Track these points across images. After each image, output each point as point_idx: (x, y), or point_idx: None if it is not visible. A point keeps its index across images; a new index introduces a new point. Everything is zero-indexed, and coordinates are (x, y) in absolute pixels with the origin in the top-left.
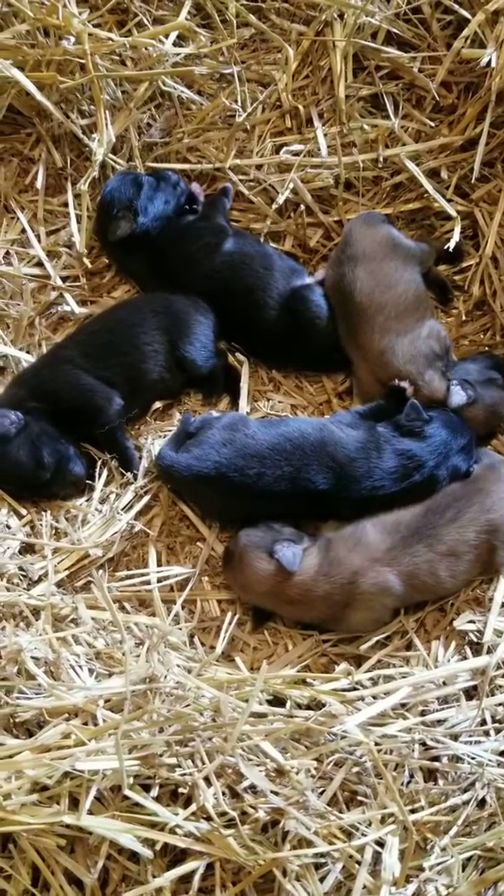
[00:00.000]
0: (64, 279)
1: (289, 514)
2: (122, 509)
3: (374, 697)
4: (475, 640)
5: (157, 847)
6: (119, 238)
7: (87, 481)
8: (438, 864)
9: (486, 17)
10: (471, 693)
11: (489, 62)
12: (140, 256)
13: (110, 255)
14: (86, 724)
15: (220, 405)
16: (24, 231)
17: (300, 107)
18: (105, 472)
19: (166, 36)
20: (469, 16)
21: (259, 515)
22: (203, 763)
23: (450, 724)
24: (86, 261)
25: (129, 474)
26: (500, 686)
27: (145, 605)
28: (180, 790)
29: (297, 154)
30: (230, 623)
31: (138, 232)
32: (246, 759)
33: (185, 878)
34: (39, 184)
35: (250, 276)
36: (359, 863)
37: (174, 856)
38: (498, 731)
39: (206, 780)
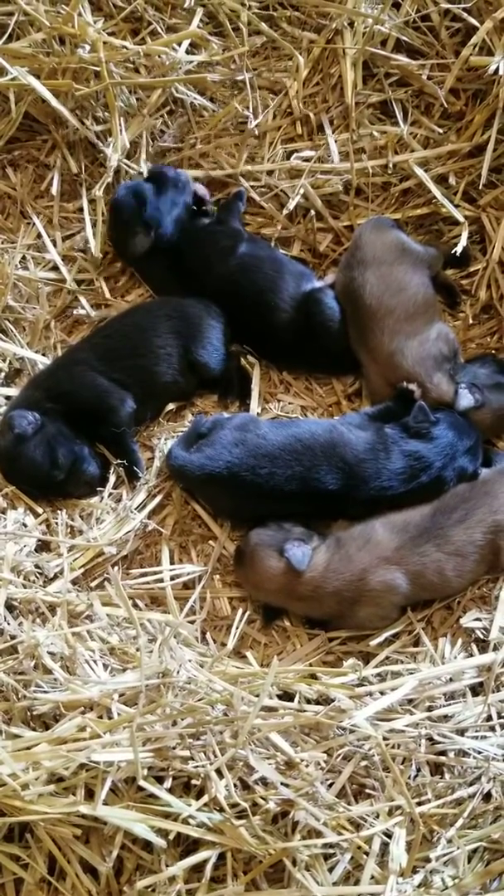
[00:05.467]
0: (79, 283)
1: (299, 514)
2: (136, 508)
3: (382, 693)
4: (481, 637)
5: (171, 837)
6: (141, 253)
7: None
8: (445, 855)
9: (495, 24)
10: (477, 689)
11: (497, 70)
12: (158, 262)
13: (131, 265)
14: (101, 717)
15: (234, 408)
16: (39, 236)
17: (311, 113)
18: (119, 471)
19: (179, 44)
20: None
21: (270, 515)
22: (215, 755)
23: (456, 720)
24: (100, 264)
25: (141, 477)
26: None
27: (158, 603)
28: (193, 782)
29: (307, 160)
30: (241, 620)
31: (156, 241)
32: (257, 751)
33: (198, 867)
34: (55, 189)
35: (261, 278)
36: (367, 853)
37: (187, 845)
38: (503, 727)
39: (218, 771)
